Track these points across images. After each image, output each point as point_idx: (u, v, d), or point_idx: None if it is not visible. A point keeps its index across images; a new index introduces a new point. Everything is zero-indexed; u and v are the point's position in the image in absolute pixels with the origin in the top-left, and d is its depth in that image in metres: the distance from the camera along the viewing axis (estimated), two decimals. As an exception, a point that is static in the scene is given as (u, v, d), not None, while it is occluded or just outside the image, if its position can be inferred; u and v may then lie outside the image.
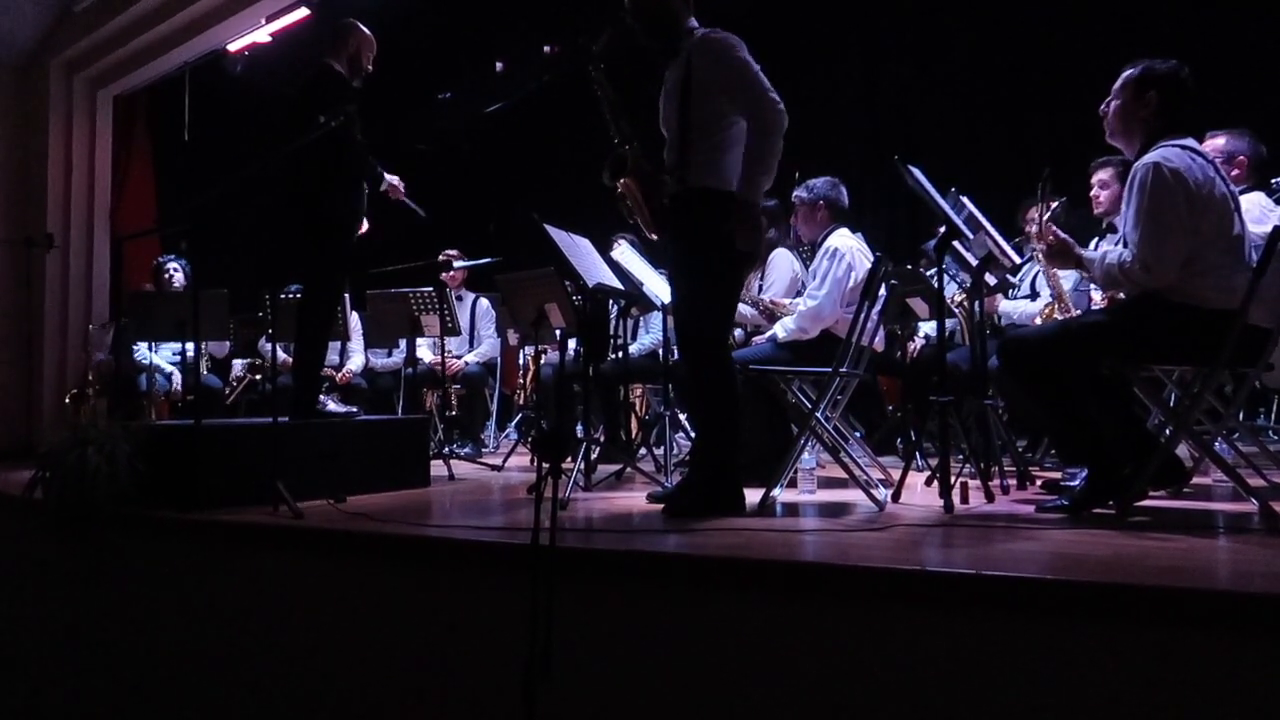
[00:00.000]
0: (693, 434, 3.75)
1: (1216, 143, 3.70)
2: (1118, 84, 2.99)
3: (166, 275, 6.00)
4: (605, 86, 3.30)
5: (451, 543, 2.75)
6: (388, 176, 4.20)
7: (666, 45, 3.20)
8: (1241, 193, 3.35)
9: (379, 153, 4.13)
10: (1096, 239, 4.19)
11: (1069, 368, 2.89)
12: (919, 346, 5.32)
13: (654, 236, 3.29)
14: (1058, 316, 4.04)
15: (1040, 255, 3.33)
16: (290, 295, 5.33)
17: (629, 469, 4.34)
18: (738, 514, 3.02)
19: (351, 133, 3.84)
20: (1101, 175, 4.23)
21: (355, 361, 6.23)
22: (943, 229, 3.34)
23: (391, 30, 4.71)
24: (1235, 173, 3.64)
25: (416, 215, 4.39)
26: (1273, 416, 5.06)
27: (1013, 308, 4.53)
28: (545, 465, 2.12)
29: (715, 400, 3.11)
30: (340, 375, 6.03)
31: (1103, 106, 3.03)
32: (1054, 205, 3.85)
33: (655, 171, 3.21)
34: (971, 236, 3.55)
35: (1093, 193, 4.24)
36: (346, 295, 5.81)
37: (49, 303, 6.72)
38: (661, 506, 3.17)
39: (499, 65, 7.58)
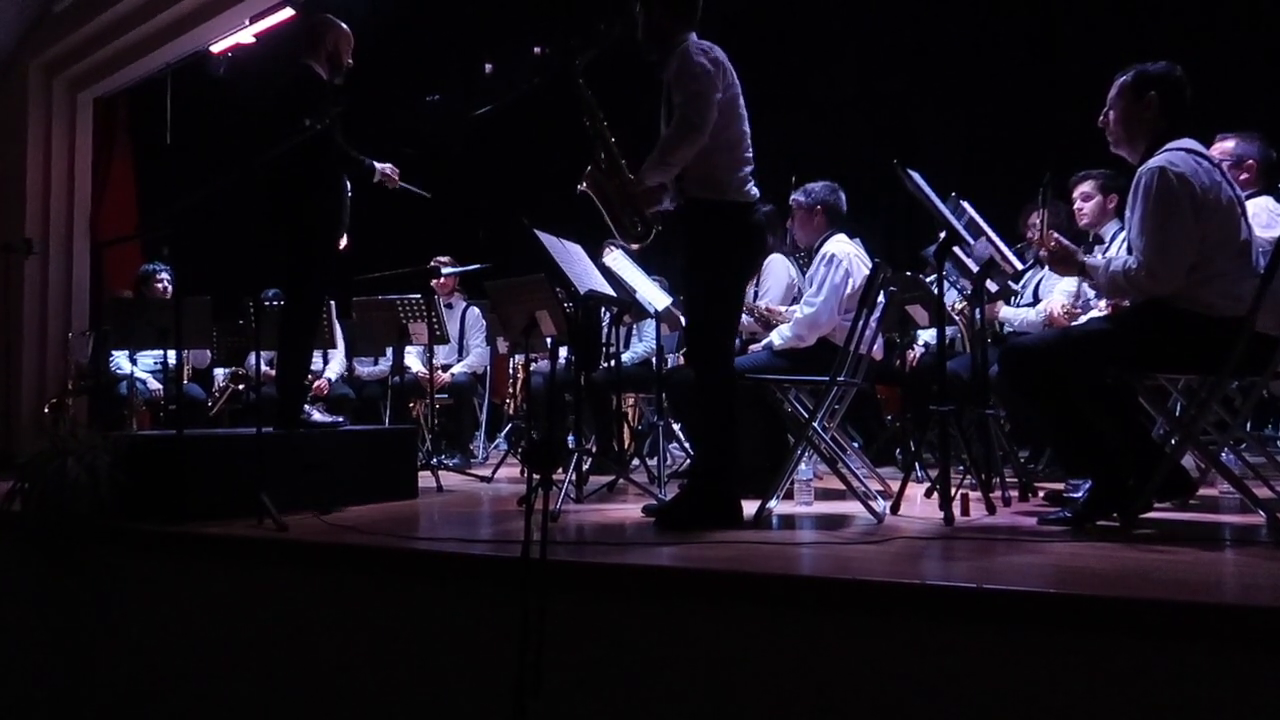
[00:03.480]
0: (690, 446, 3.71)
1: (1226, 145, 3.66)
2: (1113, 91, 2.97)
3: (160, 286, 5.81)
4: (587, 96, 3.31)
5: (440, 556, 2.72)
6: (379, 166, 4.04)
7: (660, 58, 3.18)
8: (1249, 197, 3.33)
9: (365, 152, 4.04)
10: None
11: (1072, 376, 2.85)
12: (918, 355, 5.29)
13: (634, 246, 3.30)
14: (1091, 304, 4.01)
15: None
16: (271, 302, 5.22)
17: (621, 480, 4.28)
18: (733, 526, 2.99)
19: (332, 135, 3.75)
20: (1083, 188, 4.25)
21: (331, 369, 6.09)
22: (943, 234, 3.31)
23: (378, 31, 4.63)
24: (1244, 176, 3.61)
25: (420, 197, 4.23)
26: (1282, 426, 5.03)
27: (1014, 315, 4.49)
28: (536, 476, 2.07)
29: (712, 411, 3.09)
30: (316, 385, 5.85)
31: (1101, 118, 3.01)
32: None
33: (628, 183, 3.20)
34: (973, 242, 3.52)
35: (1075, 205, 4.24)
36: (333, 304, 5.71)
37: (28, 310, 6.64)
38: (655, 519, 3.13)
39: (488, 67, 7.54)
